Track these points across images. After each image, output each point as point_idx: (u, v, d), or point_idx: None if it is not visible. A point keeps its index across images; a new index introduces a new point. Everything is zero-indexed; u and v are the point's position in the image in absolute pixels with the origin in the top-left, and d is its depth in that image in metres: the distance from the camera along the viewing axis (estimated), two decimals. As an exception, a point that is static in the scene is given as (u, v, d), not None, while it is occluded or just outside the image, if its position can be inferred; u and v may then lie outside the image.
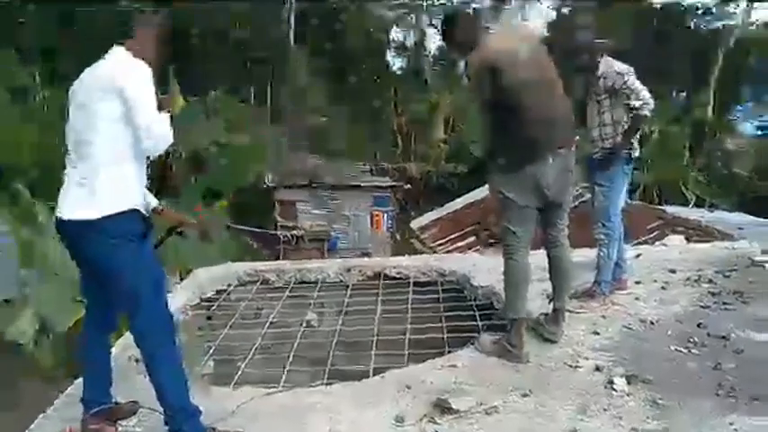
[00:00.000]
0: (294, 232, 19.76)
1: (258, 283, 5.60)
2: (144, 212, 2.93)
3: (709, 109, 26.19)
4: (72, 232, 2.82)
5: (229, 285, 5.55)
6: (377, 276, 5.61)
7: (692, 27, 33.45)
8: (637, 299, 4.64)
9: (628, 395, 3.32)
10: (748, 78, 28.74)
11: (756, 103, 34.33)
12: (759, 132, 35.91)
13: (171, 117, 2.87)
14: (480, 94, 3.68)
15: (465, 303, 4.94)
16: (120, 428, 3.07)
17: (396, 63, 37.01)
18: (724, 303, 4.48)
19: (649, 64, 28.67)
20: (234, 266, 5.92)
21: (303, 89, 25.97)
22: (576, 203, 12.75)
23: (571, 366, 3.66)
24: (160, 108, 2.79)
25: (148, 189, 3.05)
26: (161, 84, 2.95)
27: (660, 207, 14.95)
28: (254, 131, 21.49)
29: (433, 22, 36.56)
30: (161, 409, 2.91)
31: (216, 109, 21.56)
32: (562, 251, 3.93)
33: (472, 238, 13.96)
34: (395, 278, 5.57)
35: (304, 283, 5.58)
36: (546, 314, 4.04)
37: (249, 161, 6.87)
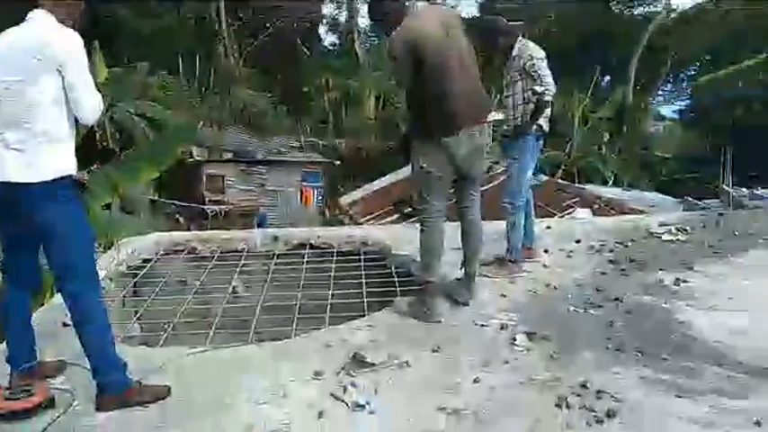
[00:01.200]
0: (222, 207, 19.68)
1: (185, 253, 5.71)
2: (74, 175, 3.02)
3: (630, 93, 27.19)
4: (12, 194, 2.89)
5: (156, 254, 5.63)
6: (302, 246, 5.79)
7: (618, 12, 34.63)
8: (544, 266, 5.00)
9: (527, 350, 3.65)
10: (668, 63, 29.91)
11: (675, 87, 35.93)
12: (677, 116, 37.63)
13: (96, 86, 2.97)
14: (401, 72, 3.91)
15: (385, 271, 5.18)
16: (48, 385, 3.18)
17: (328, 39, 36.97)
18: (621, 270, 4.88)
19: (575, 48, 29.67)
20: (160, 236, 6.00)
21: (231, 65, 25.74)
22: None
23: (479, 326, 3.96)
24: None
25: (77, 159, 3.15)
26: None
27: (578, 185, 15.64)
28: (182, 107, 21.29)
29: (365, -1, 36.66)
30: (88, 365, 3.05)
31: (145, 83, 21.23)
32: (473, 221, 4.23)
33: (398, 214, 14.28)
34: (320, 248, 5.77)
35: (231, 252, 5.72)
36: (458, 279, 4.34)
37: (178, 138, 6.93)
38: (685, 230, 5.71)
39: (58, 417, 2.96)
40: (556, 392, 3.17)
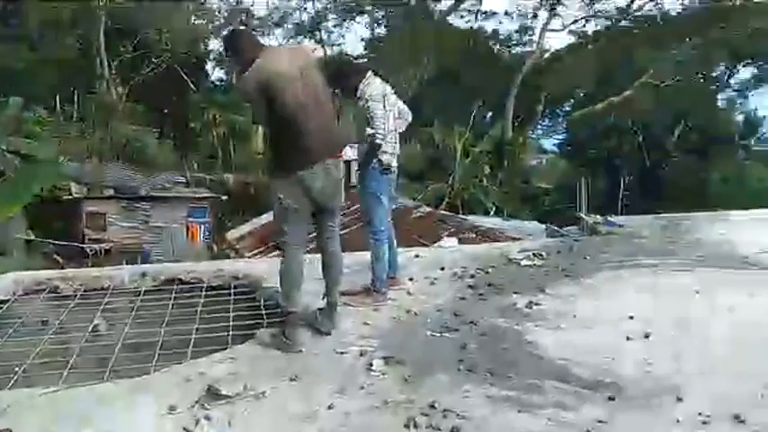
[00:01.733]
0: (103, 245, 18.97)
1: (46, 292, 5.50)
2: None
3: (509, 128, 28.49)
4: None
5: (14, 294, 5.41)
6: (171, 281, 5.72)
7: (496, 52, 36.39)
8: (408, 293, 5.17)
9: (383, 374, 3.77)
10: (542, 100, 31.59)
11: (552, 122, 38.00)
12: (557, 150, 39.75)
13: None
14: (255, 110, 4.02)
15: (254, 304, 5.19)
16: None
17: (215, 74, 36.73)
18: (480, 295, 5.12)
19: (457, 84, 30.88)
20: (19, 275, 5.75)
21: (114, 100, 25.11)
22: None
23: (338, 353, 4.06)
24: None
25: None
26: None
27: (461, 216, 16.17)
28: (59, 142, 20.51)
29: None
30: None
31: (19, 119, 20.32)
32: (333, 253, 4.36)
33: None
34: (189, 283, 5.71)
35: (95, 290, 5.56)
36: (321, 309, 4.43)
37: (39, 175, 6.68)
38: (541, 256, 6.06)
39: None
40: (407, 414, 3.29)
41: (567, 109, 37.82)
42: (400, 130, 5.12)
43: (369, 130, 4.79)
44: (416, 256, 6.21)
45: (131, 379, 3.77)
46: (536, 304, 4.85)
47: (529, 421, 3.23)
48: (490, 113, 36.24)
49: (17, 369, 4.08)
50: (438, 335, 4.34)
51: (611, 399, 3.44)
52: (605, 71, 32.09)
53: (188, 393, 3.52)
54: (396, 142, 5.03)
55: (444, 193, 21.56)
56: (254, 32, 4.34)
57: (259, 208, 19.71)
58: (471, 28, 35.26)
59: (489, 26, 36.87)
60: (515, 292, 5.11)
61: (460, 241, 7.95)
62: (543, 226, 14.75)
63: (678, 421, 3.20)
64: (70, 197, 19.95)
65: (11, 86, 22.65)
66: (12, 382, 3.89)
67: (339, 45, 36.94)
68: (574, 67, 31.42)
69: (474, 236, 10.77)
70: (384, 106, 4.86)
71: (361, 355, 4.01)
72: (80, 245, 19.13)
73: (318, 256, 4.43)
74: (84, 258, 18.91)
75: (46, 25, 27.68)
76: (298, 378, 3.72)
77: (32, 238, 19.12)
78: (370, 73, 5.00)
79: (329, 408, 3.38)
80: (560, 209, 25.84)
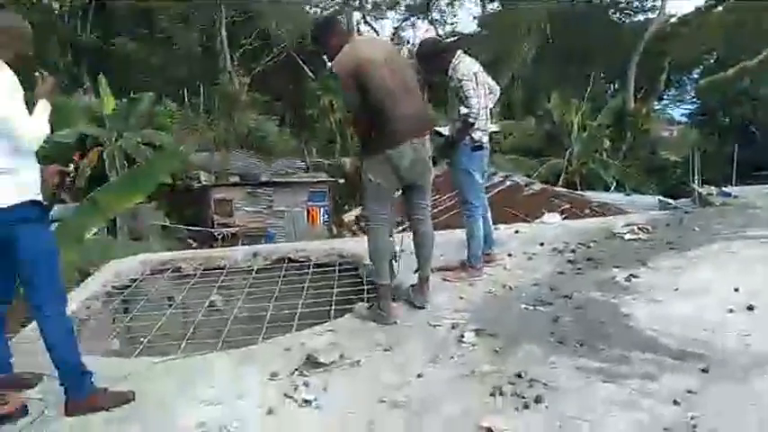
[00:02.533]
0: (230, 229, 20.05)
1: (169, 271, 5.99)
2: (41, 200, 3.31)
3: (631, 98, 27.33)
4: None
5: (143, 273, 5.93)
6: (281, 260, 6.06)
7: (616, 21, 34.93)
8: (505, 268, 5.22)
9: (474, 346, 3.87)
10: (666, 68, 30.04)
11: (678, 91, 35.98)
12: (686, 120, 37.64)
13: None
14: (348, 94, 4.19)
15: (357, 280, 5.43)
16: (22, 395, 3.45)
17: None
18: (578, 269, 5.09)
19: (573, 56, 29.93)
20: (146, 256, 6.30)
21: (236, 91, 26.31)
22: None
23: (432, 326, 4.19)
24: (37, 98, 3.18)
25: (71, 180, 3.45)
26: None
27: (577, 192, 15.80)
28: (187, 133, 21.83)
29: (367, 19, 37.25)
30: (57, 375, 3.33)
31: (151, 112, 21.81)
32: (423, 227, 4.48)
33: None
34: (298, 261, 6.03)
35: (213, 269, 5.99)
36: (413, 285, 4.57)
37: (161, 164, 7.22)
38: (647, 230, 5.90)
39: (31, 423, 3.23)
40: (493, 383, 3.38)
41: (695, 76, 35.73)
42: (490, 106, 5.15)
43: (462, 109, 4.85)
44: (516, 231, 6.23)
45: (240, 349, 4.08)
46: (635, 277, 4.76)
47: (612, 390, 3.24)
48: (611, 85, 34.94)
49: (142, 340, 4.52)
50: (531, 308, 4.38)
51: (704, 371, 3.36)
52: (737, 34, 30.01)
53: (289, 362, 3.78)
54: (487, 119, 5.06)
55: (560, 169, 21.11)
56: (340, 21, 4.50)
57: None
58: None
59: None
60: (615, 266, 5.04)
61: (566, 217, 7.83)
62: (657, 199, 14.22)
63: (775, 394, 3.10)
64: (200, 185, 21.21)
65: (144, 82, 24.36)
66: (137, 351, 4.32)
67: (452, 24, 36.77)
68: (702, 32, 29.63)
69: (587, 212, 10.52)
70: (476, 84, 4.91)
71: (454, 327, 4.13)
72: (209, 229, 20.34)
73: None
74: (214, 242, 20.06)
75: (173, 21, 29.39)
76: (391, 348, 3.90)
77: (167, 224, 20.49)
78: (459, 52, 5.05)
79: (419, 376, 3.53)
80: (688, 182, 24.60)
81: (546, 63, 30.36)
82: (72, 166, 3.58)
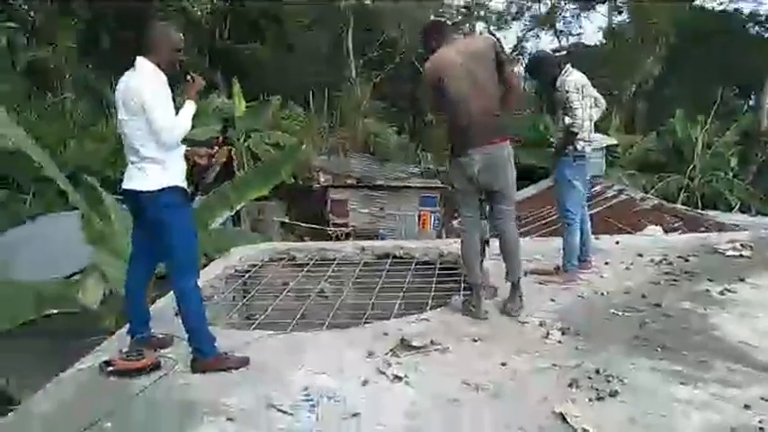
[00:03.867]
0: (344, 229, 20.80)
1: (286, 260, 6.54)
2: (184, 187, 3.86)
3: (765, 116, 25.92)
4: (135, 199, 3.79)
5: (262, 261, 6.51)
6: (386, 256, 6.47)
7: (753, 35, 33.15)
8: (601, 276, 5.38)
9: (558, 342, 4.11)
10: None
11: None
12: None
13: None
14: (430, 97, 4.52)
15: (455, 278, 5.73)
16: (157, 353, 4.01)
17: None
18: (673, 280, 5.18)
19: (703, 71, 28.72)
20: (266, 245, 6.89)
21: (359, 97, 27.19)
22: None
23: (520, 323, 4.45)
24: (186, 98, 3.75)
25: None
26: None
27: (696, 210, 15.31)
28: (308, 137, 22.87)
29: (491, 29, 37.28)
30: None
31: (277, 115, 23.03)
32: (506, 232, 4.63)
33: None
34: (401, 258, 6.42)
35: (324, 260, 6.49)
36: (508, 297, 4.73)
37: (284, 160, 7.80)
38: (750, 247, 5.86)
39: (162, 376, 3.77)
40: (571, 376, 3.62)
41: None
42: (595, 119, 5.33)
43: (567, 120, 5.08)
44: (617, 242, 6.34)
45: (343, 330, 4.51)
46: (731, 292, 4.82)
47: (689, 392, 3.39)
48: (744, 104, 33.18)
49: (258, 317, 5.04)
50: (620, 313, 4.54)
51: (783, 382, 3.45)
52: None
53: (385, 344, 4.15)
54: (591, 131, 5.24)
55: (682, 187, 20.40)
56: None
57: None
58: (724, 11, 32.58)
59: (746, 7, 33.79)
60: (710, 280, 5.10)
61: (668, 232, 7.80)
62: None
63: None
64: (319, 186, 22.15)
65: (272, 86, 25.67)
66: (255, 325, 4.84)
67: (577, 35, 36.20)
68: None
69: (702, 230, 10.29)
70: (582, 97, 5.11)
71: (541, 325, 4.37)
72: (325, 228, 21.18)
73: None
74: (328, 239, 20.89)
75: (303, 27, 30.71)
76: (480, 340, 4.19)
77: (287, 221, 21.53)
78: (568, 66, 5.27)
79: (502, 365, 3.81)
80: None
81: (674, 77, 29.30)
82: (216, 149, 4.11)
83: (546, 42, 38.20)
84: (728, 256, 5.76)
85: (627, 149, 23.43)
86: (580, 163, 5.21)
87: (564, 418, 3.17)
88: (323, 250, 6.66)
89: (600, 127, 23.51)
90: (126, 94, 3.67)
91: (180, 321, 3.93)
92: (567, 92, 5.03)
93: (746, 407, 3.21)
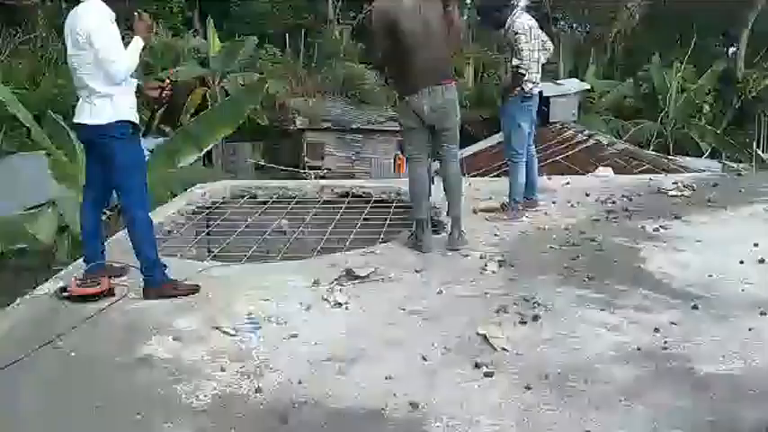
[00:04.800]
0: (319, 171, 20.92)
1: (247, 197, 6.72)
2: (133, 120, 3.99)
3: (741, 62, 26.04)
4: (86, 133, 3.95)
5: (223, 198, 6.68)
6: (345, 195, 6.66)
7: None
8: (545, 213, 5.62)
9: (493, 273, 4.35)
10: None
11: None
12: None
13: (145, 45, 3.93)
14: (377, 41, 4.66)
15: (409, 216, 5.95)
16: (111, 280, 4.20)
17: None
18: (614, 218, 5.43)
19: (684, 18, 28.62)
20: (229, 182, 7.06)
21: (337, 40, 26.94)
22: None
23: (462, 256, 4.69)
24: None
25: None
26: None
27: (656, 153, 15.58)
28: (287, 79, 22.80)
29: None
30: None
31: (253, 56, 22.84)
32: (449, 168, 4.87)
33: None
34: (359, 196, 6.62)
35: (285, 198, 6.67)
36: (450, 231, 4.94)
37: (247, 99, 7.85)
38: (692, 187, 6.11)
39: (115, 301, 3.98)
40: (500, 302, 3.87)
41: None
42: (543, 62, 5.47)
43: (514, 61, 5.23)
44: (567, 183, 6.56)
45: (292, 261, 4.73)
46: (664, 228, 5.07)
47: (604, 317, 3.66)
48: (727, 50, 33.17)
49: (214, 250, 5.24)
50: (557, 248, 4.79)
51: (694, 308, 3.72)
52: None
53: (331, 274, 4.38)
54: (538, 72, 5.39)
55: (654, 132, 20.61)
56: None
57: (465, 142, 20.41)
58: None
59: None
60: (649, 218, 5.34)
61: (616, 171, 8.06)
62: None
63: (750, 329, 3.44)
64: (294, 128, 22.16)
65: (249, 26, 25.38)
66: (210, 257, 5.05)
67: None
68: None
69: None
70: (530, 39, 5.25)
71: (481, 258, 4.61)
72: (300, 170, 21.27)
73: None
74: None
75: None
76: (421, 270, 4.43)
77: (262, 162, 21.62)
78: (518, 8, 5.39)
79: (438, 293, 4.06)
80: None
81: (654, 23, 29.18)
82: (167, 81, 4.23)
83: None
84: (671, 195, 6.00)
85: (603, 95, 23.57)
86: (527, 104, 5.38)
87: (486, 338, 3.43)
88: (284, 189, 6.83)
89: (578, 72, 23.68)
90: (73, 28, 3.78)
91: (135, 256, 4.13)
92: (516, 33, 5.17)
93: (656, 330, 3.47)
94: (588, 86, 18.98)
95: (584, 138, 14.86)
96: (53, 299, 4.05)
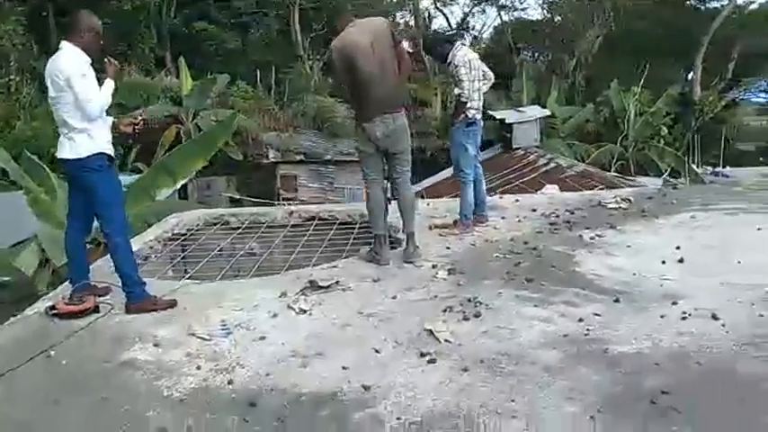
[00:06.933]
0: (294, 203, 21.37)
1: (220, 224, 7.16)
2: (109, 153, 4.44)
3: (697, 86, 27.14)
4: (68, 167, 4.39)
5: (197, 225, 7.11)
6: (312, 219, 7.13)
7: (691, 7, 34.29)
8: (495, 228, 6.13)
9: (444, 280, 4.83)
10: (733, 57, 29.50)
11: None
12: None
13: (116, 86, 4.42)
14: (338, 73, 5.17)
15: (371, 234, 6.42)
16: (96, 299, 4.60)
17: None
18: (555, 230, 5.96)
19: (642, 44, 29.77)
20: (202, 211, 7.49)
21: (307, 75, 27.60)
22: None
23: (416, 266, 5.17)
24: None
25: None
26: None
27: (622, 176, 16.29)
28: (260, 114, 23.36)
29: (438, 5, 37.84)
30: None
31: (225, 93, 23.38)
32: (403, 192, 5.38)
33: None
34: (326, 219, 7.09)
35: (255, 223, 7.12)
36: (405, 245, 5.44)
37: (220, 132, 8.32)
38: (629, 200, 6.68)
39: (100, 317, 4.39)
40: (447, 303, 4.34)
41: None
42: (484, 91, 6.03)
43: (456, 90, 5.79)
44: (516, 200, 7.10)
45: (262, 277, 5.18)
46: (600, 237, 5.60)
47: (538, 311, 4.15)
48: (684, 74, 34.39)
49: (189, 271, 5.67)
50: (501, 256, 5.29)
51: (616, 301, 4.23)
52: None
53: (297, 286, 4.82)
54: (479, 100, 5.95)
55: (615, 153, 21.41)
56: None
57: (435, 169, 20.96)
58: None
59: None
60: (587, 228, 5.88)
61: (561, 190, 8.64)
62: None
63: (662, 317, 3.95)
64: (268, 161, 22.68)
65: (222, 64, 25.97)
66: (186, 277, 5.47)
67: (522, 9, 36.92)
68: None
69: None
70: (470, 70, 5.82)
71: (433, 267, 5.10)
72: (275, 202, 21.71)
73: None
74: (279, 215, 21.48)
75: (250, 8, 30.85)
76: (379, 280, 4.90)
77: (236, 196, 22.02)
78: (459, 43, 5.97)
79: (393, 298, 4.52)
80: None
81: (614, 51, 30.31)
82: (139, 118, 4.73)
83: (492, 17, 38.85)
84: (610, 208, 6.56)
85: (565, 120, 24.39)
86: (472, 129, 5.93)
87: (432, 333, 3.90)
88: (255, 215, 7.28)
89: (540, 99, 24.48)
90: (52, 72, 4.23)
91: (118, 277, 4.55)
92: (456, 66, 5.73)
93: (580, 320, 3.97)
94: (549, 113, 19.74)
95: (546, 161, 15.54)
96: (42, 317, 4.44)
